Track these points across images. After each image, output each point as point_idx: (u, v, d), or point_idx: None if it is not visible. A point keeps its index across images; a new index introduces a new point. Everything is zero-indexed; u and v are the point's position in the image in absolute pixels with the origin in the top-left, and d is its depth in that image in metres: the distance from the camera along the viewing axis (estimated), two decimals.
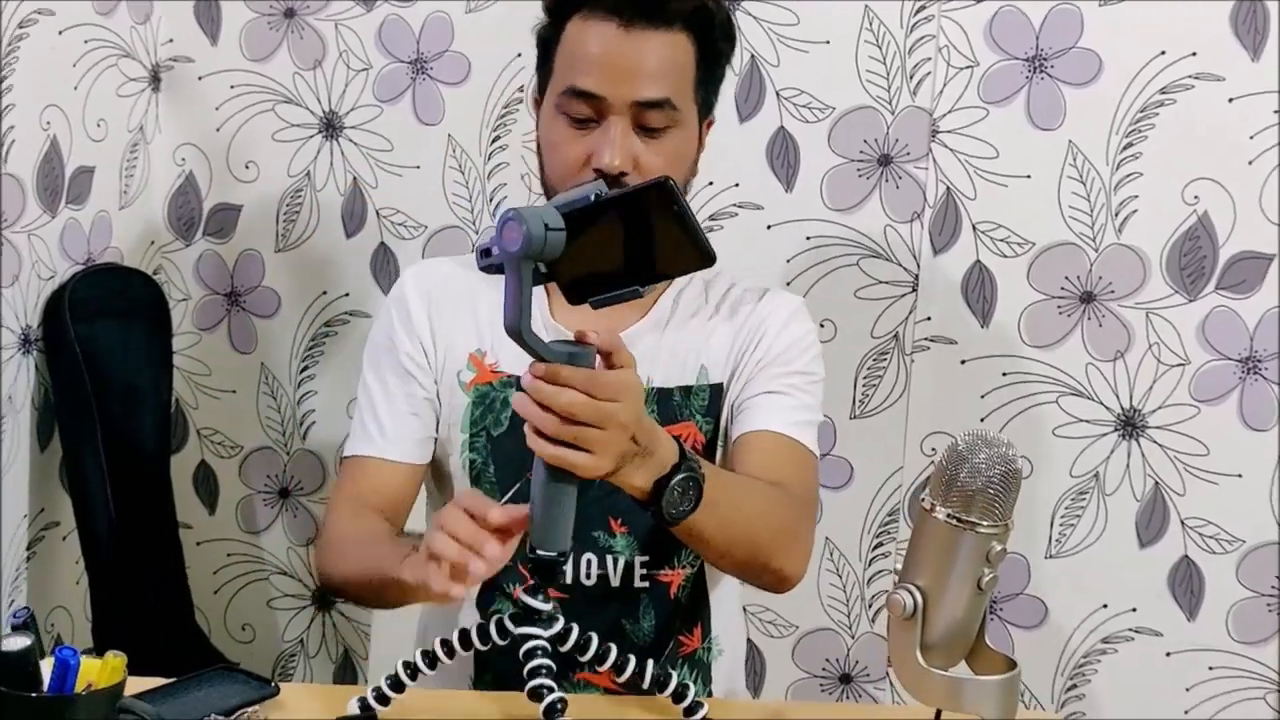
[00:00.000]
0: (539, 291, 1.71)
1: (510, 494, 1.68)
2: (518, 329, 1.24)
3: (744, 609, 1.99)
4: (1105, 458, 2.22)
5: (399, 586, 1.47)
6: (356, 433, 1.79)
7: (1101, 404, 2.22)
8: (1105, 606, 2.25)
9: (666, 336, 1.74)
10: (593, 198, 1.25)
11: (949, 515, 1.23)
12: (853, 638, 2.36)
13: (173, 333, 2.50)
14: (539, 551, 1.31)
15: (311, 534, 2.58)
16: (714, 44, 1.70)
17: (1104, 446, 2.23)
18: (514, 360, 1.70)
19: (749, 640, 2.24)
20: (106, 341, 2.30)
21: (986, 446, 1.24)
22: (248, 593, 2.63)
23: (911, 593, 1.26)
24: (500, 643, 1.40)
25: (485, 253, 1.27)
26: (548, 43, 1.71)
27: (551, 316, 1.73)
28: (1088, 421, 2.23)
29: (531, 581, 1.38)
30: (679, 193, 1.24)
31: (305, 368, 2.54)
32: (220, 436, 2.60)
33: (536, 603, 1.37)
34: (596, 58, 1.62)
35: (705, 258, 1.26)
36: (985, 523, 1.22)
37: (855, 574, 2.34)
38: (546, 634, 1.38)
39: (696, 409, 1.73)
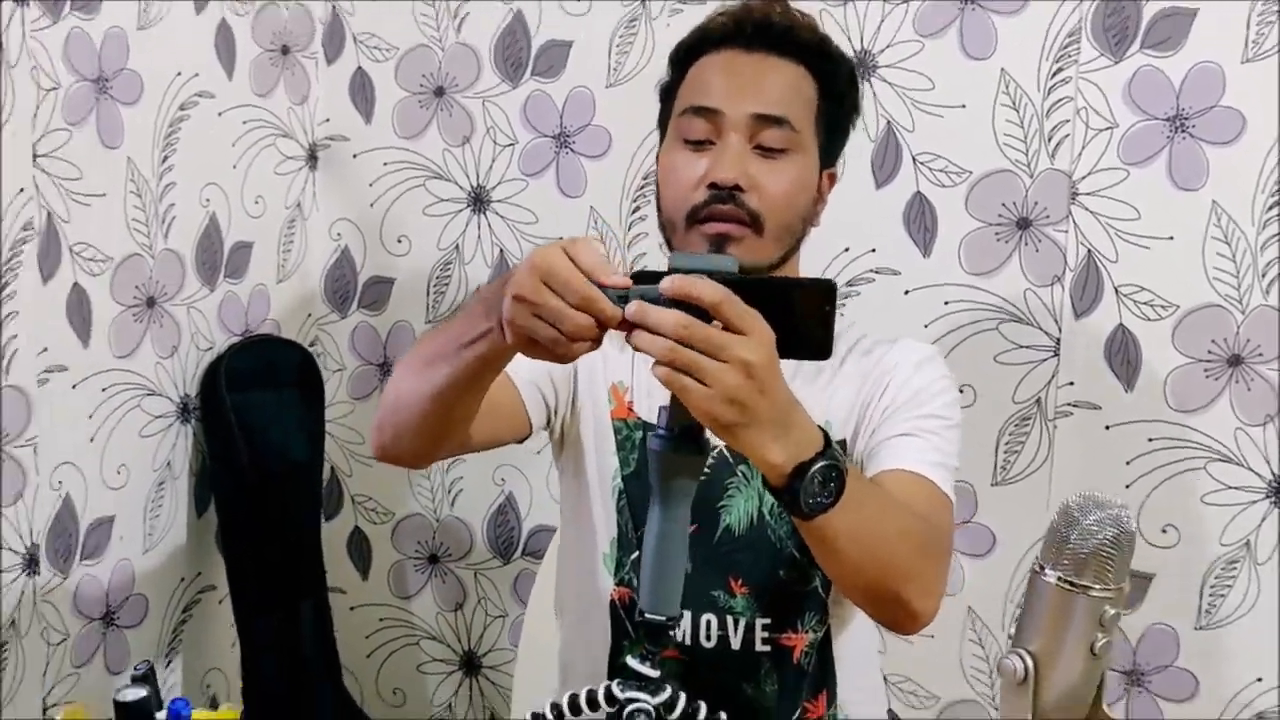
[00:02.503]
0: None
1: (635, 556, 1.68)
2: None
3: (885, 679, 1.95)
4: (1256, 526, 2.15)
5: (479, 347, 1.33)
6: None
7: (1252, 470, 2.14)
8: (1260, 680, 2.16)
9: (795, 390, 1.72)
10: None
11: (1060, 578, 1.19)
12: (996, 709, 2.30)
13: (326, 402, 2.58)
14: (647, 615, 1.31)
15: (460, 599, 2.63)
16: (836, 85, 1.67)
17: (1255, 514, 2.15)
18: (646, 405, 1.70)
19: (890, 712, 2.21)
20: (261, 410, 2.39)
21: (1098, 509, 1.20)
22: (398, 657, 2.69)
23: (1023, 658, 1.23)
24: (608, 709, 1.39)
25: (621, 299, 1.20)
26: (669, 91, 1.71)
27: None
28: (1237, 488, 2.16)
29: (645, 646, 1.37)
30: (835, 296, 1.24)
31: None
32: (374, 503, 2.67)
33: (644, 669, 1.36)
34: (716, 77, 1.63)
35: (825, 355, 1.25)
36: (1098, 586, 1.18)
37: (998, 644, 2.30)
38: (653, 701, 1.37)
39: None
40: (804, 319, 1.24)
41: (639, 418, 1.71)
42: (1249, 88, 2.11)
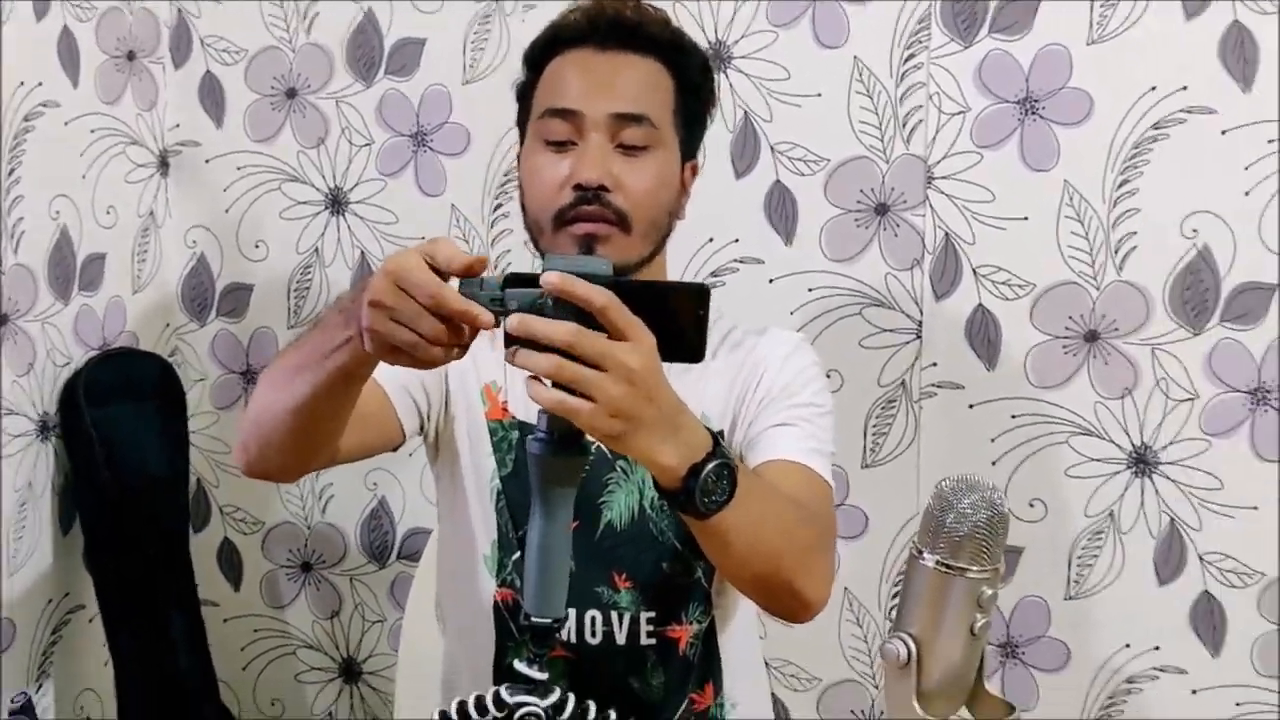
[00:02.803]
0: None
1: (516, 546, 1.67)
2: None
3: (766, 663, 1.97)
4: (1119, 496, 2.21)
5: (340, 357, 1.32)
6: None
7: (1112, 442, 2.20)
8: (1128, 646, 2.22)
9: (677, 383, 1.72)
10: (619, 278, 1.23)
11: (938, 562, 1.20)
12: (877, 688, 2.35)
13: (189, 413, 2.53)
14: (533, 618, 1.29)
15: (336, 606, 2.60)
16: (692, 77, 1.68)
17: (1117, 485, 2.21)
18: (525, 405, 1.68)
19: (773, 695, 2.23)
20: (122, 425, 2.34)
21: (971, 491, 1.21)
22: (275, 667, 2.65)
23: (905, 641, 1.24)
24: (498, 715, 1.39)
25: (498, 302, 1.18)
26: (526, 90, 1.71)
27: None
28: (1099, 460, 2.21)
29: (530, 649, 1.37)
30: (709, 300, 1.24)
31: None
32: (242, 514, 2.63)
33: (532, 672, 1.36)
34: (573, 78, 1.63)
35: (699, 357, 1.26)
36: (974, 568, 1.19)
37: (876, 623, 2.33)
38: (542, 704, 1.37)
39: None
40: (678, 322, 1.25)
41: (514, 417, 1.71)
42: (1095, 69, 2.16)
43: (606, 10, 1.65)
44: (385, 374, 1.60)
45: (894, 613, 2.30)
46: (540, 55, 1.69)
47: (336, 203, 2.50)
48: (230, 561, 2.65)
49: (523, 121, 1.73)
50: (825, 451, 1.64)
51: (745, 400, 1.69)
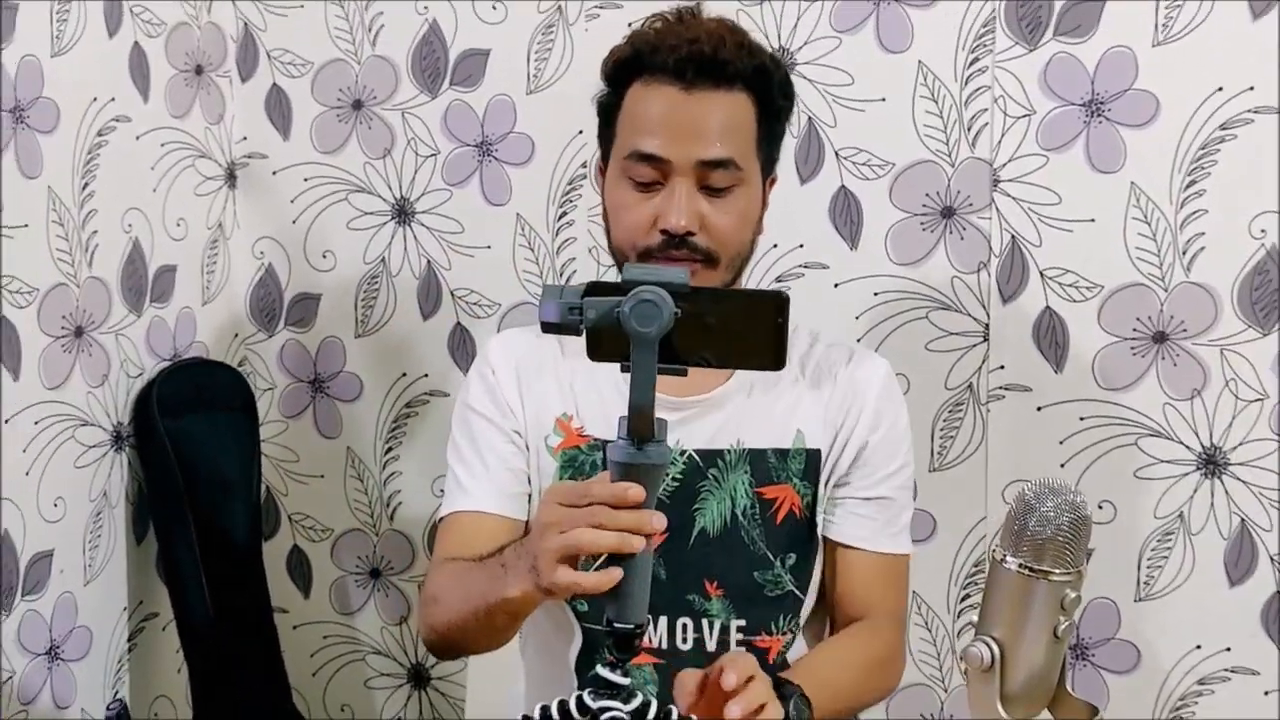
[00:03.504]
0: None
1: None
2: (650, 410, 1.23)
3: None
4: (1189, 497, 2.20)
5: (506, 608, 1.46)
6: (450, 493, 1.79)
7: (1181, 444, 2.20)
8: (1199, 647, 2.22)
9: (756, 398, 1.75)
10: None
11: (1021, 565, 1.22)
12: (946, 691, 2.35)
13: (260, 421, 2.56)
14: (615, 624, 1.30)
15: (404, 612, 2.62)
16: (774, 102, 1.71)
17: (1187, 486, 2.20)
18: (600, 424, 1.73)
19: None
20: (195, 434, 2.37)
21: (1054, 494, 1.23)
22: (345, 673, 2.67)
23: (989, 644, 1.26)
24: (581, 719, 1.39)
25: (573, 311, 1.23)
26: (609, 110, 1.73)
27: None
28: (1169, 462, 2.21)
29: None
30: (788, 308, 1.26)
31: (389, 449, 2.59)
32: (311, 521, 2.65)
33: (615, 676, 1.37)
34: (659, 120, 1.65)
35: (779, 364, 1.27)
36: (1057, 570, 1.21)
37: (945, 627, 2.33)
38: (626, 709, 1.37)
39: (794, 473, 1.73)
40: (756, 330, 1.26)
41: (594, 438, 1.74)
42: (1161, 70, 2.15)
43: (692, 49, 1.64)
44: (491, 500, 1.74)
45: (961, 614, 2.32)
46: (622, 75, 1.71)
47: (403, 213, 2.53)
48: (300, 569, 2.67)
49: (605, 139, 1.76)
50: (909, 520, 1.80)
51: (842, 432, 1.76)
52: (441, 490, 2.47)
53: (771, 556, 1.71)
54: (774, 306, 1.26)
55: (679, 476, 1.70)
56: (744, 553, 1.70)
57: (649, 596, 1.29)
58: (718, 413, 1.72)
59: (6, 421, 2.07)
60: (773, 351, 1.27)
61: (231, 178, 2.61)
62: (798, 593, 1.73)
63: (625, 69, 1.70)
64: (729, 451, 1.72)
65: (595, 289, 1.24)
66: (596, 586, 1.29)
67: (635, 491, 1.25)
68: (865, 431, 1.75)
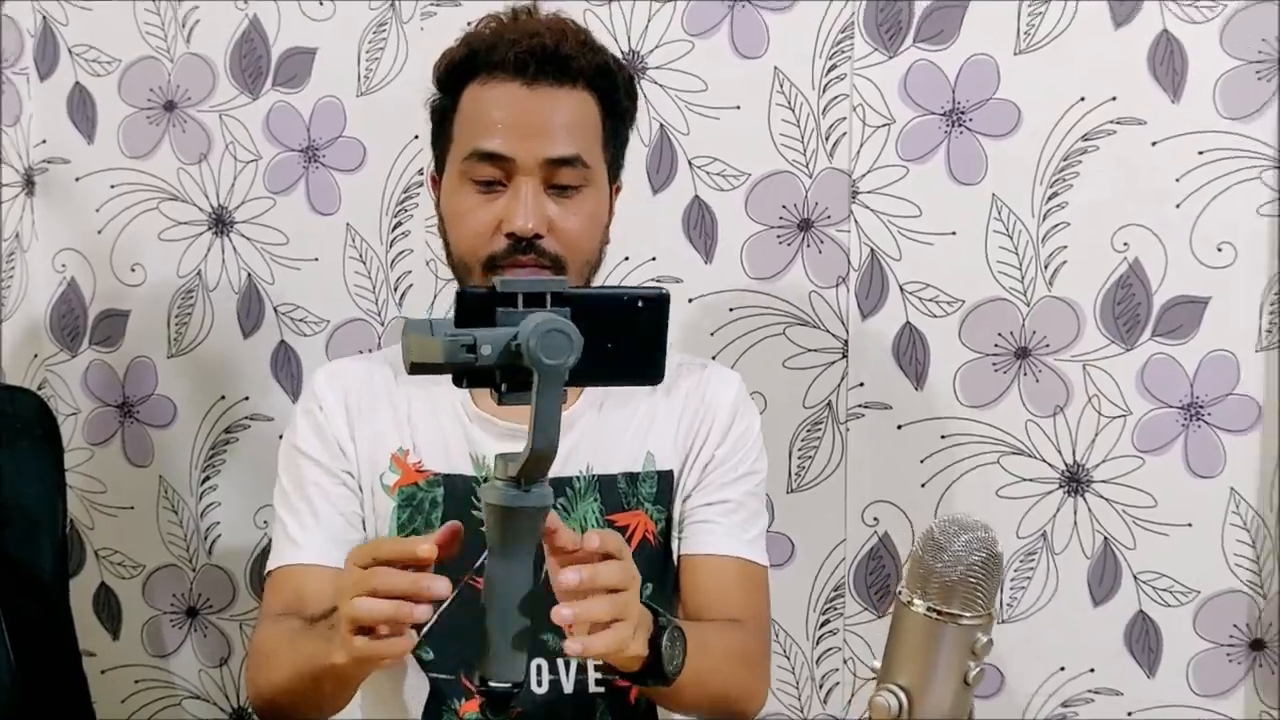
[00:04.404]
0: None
1: (449, 601, 1.57)
2: (554, 453, 1.12)
3: None
4: (1052, 516, 2.16)
5: (335, 674, 1.37)
6: (277, 543, 1.68)
7: (1044, 461, 2.15)
8: (1063, 669, 2.17)
9: (605, 417, 1.67)
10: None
11: (929, 608, 1.15)
12: None
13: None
14: (491, 683, 1.19)
15: (224, 654, 2.44)
16: (618, 103, 1.64)
17: (1050, 505, 2.16)
18: (441, 457, 1.63)
19: None
20: None
21: (964, 531, 1.17)
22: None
23: (895, 693, 1.17)
24: None
25: (467, 349, 1.09)
26: (443, 113, 1.63)
27: (475, 405, 1.65)
28: (1031, 480, 2.16)
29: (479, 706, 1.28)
30: (669, 308, 1.17)
31: (207, 478, 2.40)
32: (120, 556, 2.46)
33: None
34: (501, 118, 1.56)
35: (658, 378, 1.19)
36: (968, 614, 1.15)
37: (804, 654, 2.25)
38: None
39: (645, 497, 1.65)
40: (641, 337, 1.16)
41: (435, 474, 1.64)
42: (1022, 79, 2.10)
43: (532, 43, 1.56)
44: (320, 550, 1.63)
45: (820, 641, 2.24)
46: (457, 77, 1.61)
47: (220, 222, 2.35)
48: (108, 608, 2.47)
49: (439, 146, 1.65)
50: (763, 527, 1.72)
51: (694, 448, 1.69)
52: (265, 522, 2.38)
53: None
54: (655, 307, 1.16)
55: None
56: None
57: (526, 650, 1.19)
58: (566, 436, 1.59)
59: None
60: (654, 361, 1.18)
61: (29, 184, 2.39)
62: None
63: (460, 70, 1.61)
64: (578, 479, 1.63)
65: (467, 304, 1.12)
66: (390, 653, 1.27)
67: (425, 549, 1.22)
68: (713, 446, 1.68)
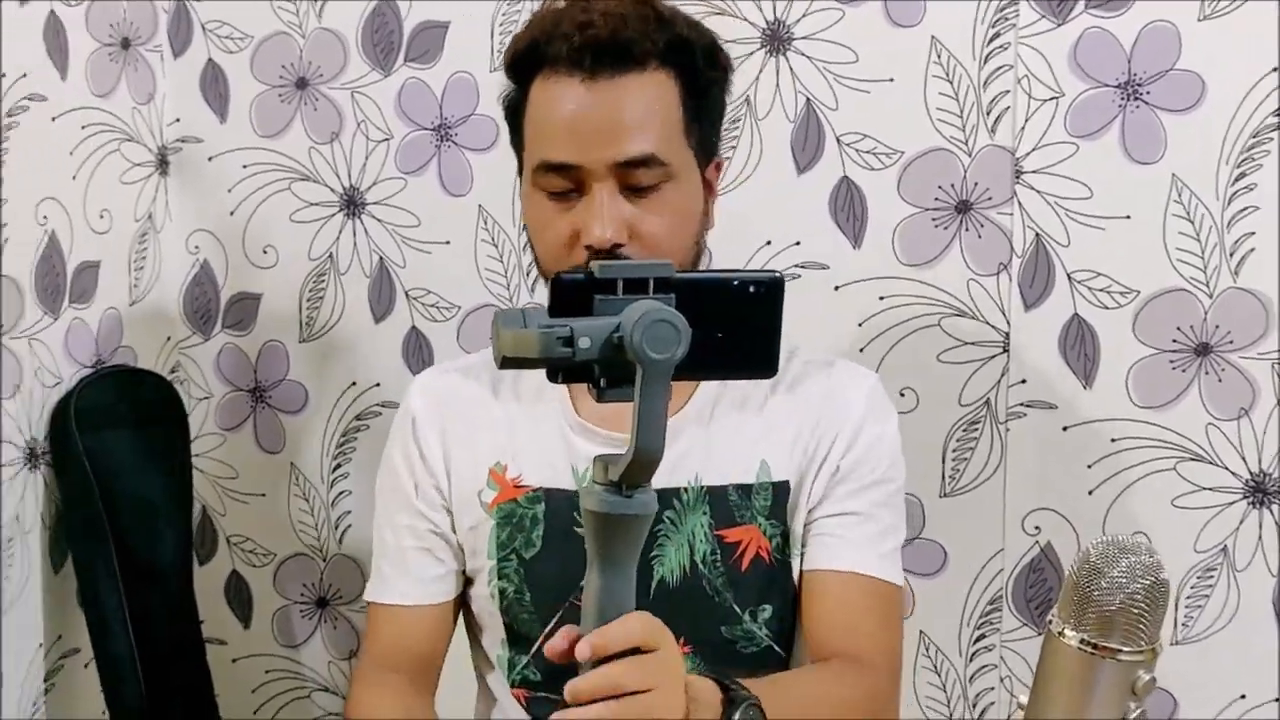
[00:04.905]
0: (560, 385, 1.52)
1: (553, 623, 1.50)
2: (660, 453, 1.03)
3: None
4: (1234, 529, 1.97)
5: None
6: (373, 573, 1.63)
7: (1226, 469, 1.96)
8: (1243, 697, 1.98)
9: (715, 427, 1.53)
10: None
11: (1083, 641, 1.02)
12: None
13: (191, 436, 2.31)
14: None
15: (353, 645, 2.38)
16: (699, 75, 1.47)
17: (1232, 517, 1.97)
18: (540, 472, 1.53)
19: None
20: (117, 451, 2.14)
21: (1125, 554, 1.02)
22: (289, 711, 2.45)
23: None
24: None
25: (564, 342, 1.00)
26: (515, 109, 1.50)
27: (576, 413, 1.54)
28: (1211, 489, 1.97)
29: None
30: (783, 294, 1.06)
31: (338, 465, 2.35)
32: (251, 544, 2.41)
33: None
34: (564, 123, 1.42)
35: (770, 371, 1.08)
36: (1128, 648, 1.01)
37: (956, 671, 2.09)
38: None
39: (759, 511, 1.51)
40: (753, 326, 1.06)
41: (534, 489, 1.53)
42: (1206, 48, 1.91)
43: (586, 35, 1.41)
44: (412, 589, 1.58)
45: (974, 657, 2.09)
46: (523, 69, 1.48)
47: (352, 204, 2.27)
48: (239, 596, 2.43)
49: (517, 145, 1.53)
50: (899, 544, 1.56)
51: (816, 457, 1.53)
52: None
53: (739, 609, 1.50)
54: (768, 292, 1.06)
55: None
56: (708, 605, 1.49)
57: None
58: (673, 444, 1.46)
59: None
60: (766, 352, 1.08)
61: (163, 164, 2.35)
62: (779, 650, 1.53)
63: (525, 62, 1.47)
64: (686, 490, 1.51)
65: (562, 290, 1.03)
66: None
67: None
68: (839, 455, 1.53)
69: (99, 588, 2.12)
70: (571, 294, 1.03)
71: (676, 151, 1.44)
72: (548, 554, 1.52)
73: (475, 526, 1.56)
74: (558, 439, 1.54)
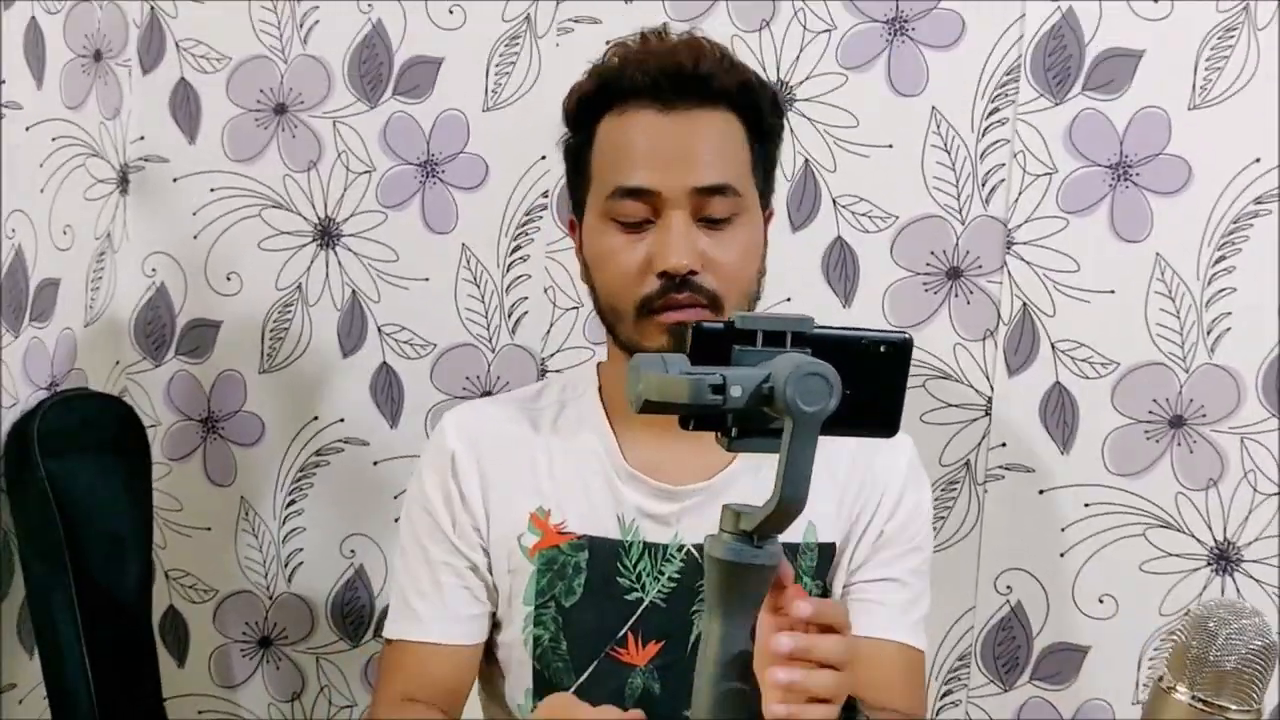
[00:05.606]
0: (606, 429, 1.52)
1: (588, 673, 1.50)
2: (802, 505, 1.03)
3: None
4: (1198, 595, 2.05)
5: None
6: (398, 610, 1.57)
7: (1193, 536, 2.05)
8: None
9: (764, 480, 1.53)
10: (859, 336, 1.05)
11: (1194, 698, 1.06)
12: None
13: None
14: None
15: (297, 688, 2.31)
16: (764, 121, 1.50)
17: (1196, 582, 2.05)
18: (585, 519, 1.52)
19: None
20: (82, 478, 2.04)
21: (1238, 617, 1.08)
22: None
23: None
24: None
25: (715, 390, 0.99)
26: (578, 153, 1.51)
27: (626, 461, 1.53)
28: (1178, 555, 2.05)
29: None
30: (911, 355, 1.07)
31: (292, 502, 2.28)
32: (192, 579, 2.33)
33: None
34: (642, 149, 1.43)
35: (892, 430, 1.08)
36: (1234, 706, 1.06)
37: None
38: None
39: (804, 570, 1.53)
40: (876, 384, 1.06)
41: (579, 536, 1.52)
42: (1195, 136, 2.01)
43: (665, 61, 1.44)
44: (446, 628, 1.56)
45: (940, 711, 2.13)
46: (588, 112, 1.49)
47: (326, 234, 2.22)
48: (175, 633, 2.33)
49: (576, 186, 1.53)
50: (925, 612, 1.60)
51: (861, 520, 1.57)
52: (352, 551, 2.25)
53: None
54: (900, 354, 1.06)
55: (675, 576, 1.50)
56: None
57: (736, 715, 1.09)
58: (720, 501, 1.48)
59: None
60: (889, 412, 1.08)
61: (124, 181, 2.26)
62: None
63: (591, 104, 1.49)
64: None
65: (701, 341, 1.03)
66: None
67: None
68: (883, 520, 1.56)
69: (55, 621, 2.00)
70: (711, 343, 1.03)
71: (746, 188, 1.47)
72: (587, 603, 1.50)
73: (514, 570, 1.53)
74: (603, 486, 1.53)
